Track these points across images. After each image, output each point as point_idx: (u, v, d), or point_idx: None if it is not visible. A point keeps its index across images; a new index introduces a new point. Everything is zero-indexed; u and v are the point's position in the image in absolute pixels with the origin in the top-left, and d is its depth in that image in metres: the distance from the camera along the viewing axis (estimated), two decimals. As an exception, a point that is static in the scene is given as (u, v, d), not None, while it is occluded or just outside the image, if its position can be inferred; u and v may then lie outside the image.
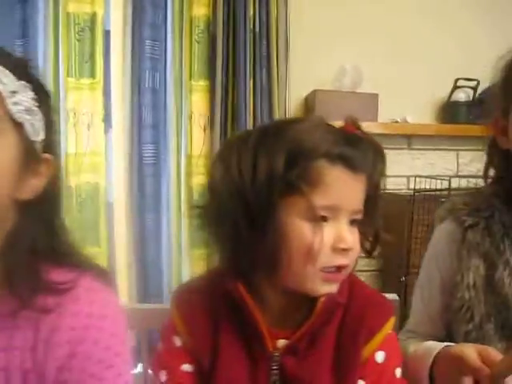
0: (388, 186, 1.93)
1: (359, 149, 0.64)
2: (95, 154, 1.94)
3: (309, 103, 2.03)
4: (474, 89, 2.09)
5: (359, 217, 0.64)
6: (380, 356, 0.66)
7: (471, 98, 2.11)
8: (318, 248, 0.61)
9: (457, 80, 2.06)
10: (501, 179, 0.79)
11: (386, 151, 0.67)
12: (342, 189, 0.63)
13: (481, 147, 0.82)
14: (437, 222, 0.84)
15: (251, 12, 1.97)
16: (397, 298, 0.89)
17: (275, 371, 0.65)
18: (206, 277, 0.73)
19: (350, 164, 0.62)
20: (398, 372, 0.67)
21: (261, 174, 0.61)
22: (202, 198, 0.73)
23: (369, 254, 0.70)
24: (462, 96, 2.10)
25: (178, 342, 0.68)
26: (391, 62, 2.05)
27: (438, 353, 0.71)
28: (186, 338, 0.67)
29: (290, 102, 2.02)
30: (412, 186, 1.93)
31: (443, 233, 0.82)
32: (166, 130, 2.02)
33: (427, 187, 1.87)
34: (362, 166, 0.63)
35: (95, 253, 1.90)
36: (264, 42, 1.98)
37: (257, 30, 1.98)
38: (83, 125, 1.96)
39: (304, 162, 0.62)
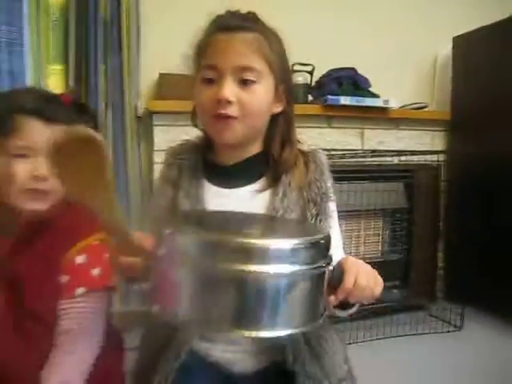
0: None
1: (56, 106, 0.86)
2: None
3: (158, 86, 2.23)
4: (310, 72, 2.36)
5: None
6: (80, 258, 0.89)
7: (308, 81, 2.38)
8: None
9: (293, 64, 2.30)
10: None
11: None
12: (38, 136, 0.85)
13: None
14: None
15: (102, 1, 2.14)
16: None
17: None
18: None
19: (43, 116, 0.85)
20: (96, 271, 0.89)
21: None
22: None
23: None
24: (299, 80, 2.35)
25: None
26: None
27: None
28: None
29: (140, 86, 2.22)
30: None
31: None
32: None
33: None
34: (56, 116, 0.86)
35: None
36: (115, 29, 2.16)
37: (108, 17, 2.15)
38: None
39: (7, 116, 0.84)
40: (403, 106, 2.60)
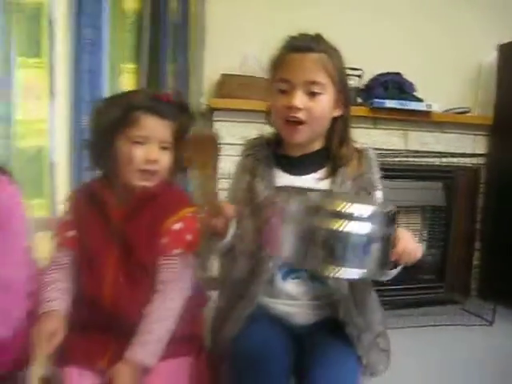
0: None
1: (164, 104, 1.09)
2: (40, 121, 2.34)
3: (219, 85, 2.44)
4: (359, 76, 2.53)
5: (168, 145, 1.10)
6: (177, 225, 1.11)
7: (357, 84, 2.55)
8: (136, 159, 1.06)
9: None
10: None
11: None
12: (152, 128, 1.08)
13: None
14: None
15: (173, 6, 2.37)
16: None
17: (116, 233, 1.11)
18: (86, 182, 1.19)
19: (156, 112, 1.07)
20: (189, 236, 1.13)
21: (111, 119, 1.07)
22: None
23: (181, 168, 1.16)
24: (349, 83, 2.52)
25: (66, 219, 1.13)
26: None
27: None
28: (71, 214, 1.12)
29: (204, 84, 2.44)
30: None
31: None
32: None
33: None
34: (165, 114, 1.08)
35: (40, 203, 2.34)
36: (183, 33, 2.39)
37: (177, 22, 2.38)
38: (32, 97, 2.36)
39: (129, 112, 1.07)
40: (447, 110, 2.73)
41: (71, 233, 1.14)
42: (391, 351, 1.20)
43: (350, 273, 0.83)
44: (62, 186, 2.41)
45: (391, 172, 2.23)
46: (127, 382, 1.01)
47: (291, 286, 1.13)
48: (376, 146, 2.41)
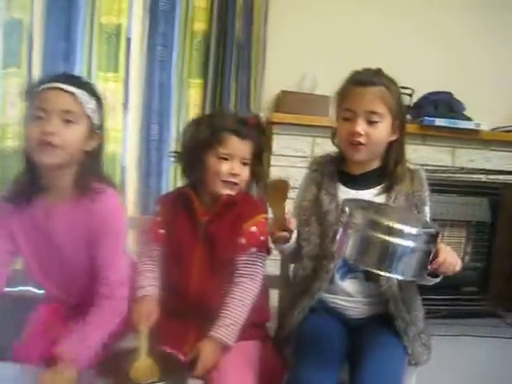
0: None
1: (245, 126, 1.28)
2: (115, 130, 2.59)
3: (278, 101, 2.64)
4: (410, 95, 2.67)
5: (247, 161, 1.29)
6: (253, 228, 1.31)
7: (408, 102, 2.68)
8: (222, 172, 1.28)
9: (395, 88, 2.63)
10: None
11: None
12: (235, 146, 1.27)
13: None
14: None
15: (237, 28, 2.58)
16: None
17: (202, 232, 1.33)
18: (175, 189, 1.41)
19: (239, 134, 1.27)
20: (262, 238, 1.33)
21: (202, 137, 1.28)
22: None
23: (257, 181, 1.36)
24: (400, 101, 2.66)
25: (157, 218, 1.36)
26: (343, 70, 2.62)
27: None
28: (161, 215, 1.34)
29: (263, 100, 2.64)
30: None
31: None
32: (169, 115, 2.66)
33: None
34: (247, 135, 1.28)
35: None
36: (246, 52, 2.60)
37: (241, 42, 2.59)
38: (108, 107, 2.61)
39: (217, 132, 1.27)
40: (495, 129, 2.82)
41: (161, 231, 1.35)
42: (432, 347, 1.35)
43: (395, 275, 1.03)
44: (130, 187, 2.66)
45: (438, 187, 2.37)
46: (211, 357, 1.20)
47: (348, 285, 1.31)
48: (423, 162, 2.55)
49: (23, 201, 1.25)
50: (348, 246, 1.02)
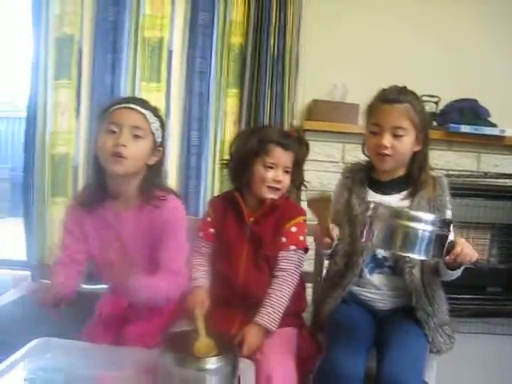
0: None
1: (290, 139, 1.44)
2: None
3: (309, 109, 2.80)
4: (436, 103, 2.79)
5: (289, 169, 1.46)
6: (293, 229, 1.48)
7: (434, 109, 2.81)
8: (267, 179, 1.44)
9: (421, 96, 2.75)
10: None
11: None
12: (280, 157, 1.44)
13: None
14: None
15: (272, 41, 2.75)
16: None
17: (248, 231, 1.50)
18: (224, 192, 1.58)
19: (283, 145, 1.43)
20: (301, 237, 1.49)
21: (250, 148, 1.45)
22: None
23: (297, 187, 1.52)
24: (427, 108, 2.78)
25: (208, 219, 1.53)
26: (372, 79, 2.76)
27: None
28: (212, 215, 1.51)
29: (296, 108, 2.81)
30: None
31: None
32: (208, 122, 2.84)
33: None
34: (290, 146, 1.44)
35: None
36: (280, 64, 2.76)
37: (275, 54, 2.75)
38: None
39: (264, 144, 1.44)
40: (520, 134, 2.91)
41: (211, 230, 1.53)
42: (455, 339, 1.49)
43: (417, 255, 1.18)
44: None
45: (463, 191, 2.49)
46: (255, 340, 1.36)
47: (376, 278, 1.46)
48: (449, 167, 2.67)
49: (95, 205, 1.44)
50: (374, 236, 1.19)
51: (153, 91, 2.81)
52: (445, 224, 1.18)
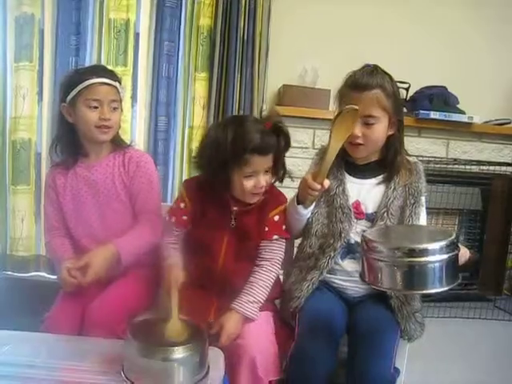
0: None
1: (268, 141, 1.36)
2: (123, 121, 2.70)
3: (280, 94, 2.75)
4: (406, 89, 2.78)
5: (269, 168, 1.39)
6: (276, 217, 1.44)
7: (404, 96, 2.80)
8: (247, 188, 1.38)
9: (392, 82, 2.75)
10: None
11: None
12: (258, 164, 1.36)
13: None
14: None
15: (242, 24, 2.69)
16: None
17: (233, 219, 1.44)
18: (199, 177, 1.48)
19: (261, 152, 1.36)
20: (283, 226, 1.46)
21: (224, 158, 1.35)
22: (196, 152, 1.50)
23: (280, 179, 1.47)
24: (397, 94, 2.78)
25: (181, 205, 1.46)
26: (342, 64, 2.74)
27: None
28: (187, 202, 1.45)
29: (266, 93, 2.76)
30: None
31: None
32: (176, 107, 2.78)
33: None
34: (269, 150, 1.37)
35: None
36: (250, 47, 2.70)
37: (245, 38, 2.69)
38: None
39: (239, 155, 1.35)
40: (487, 122, 2.95)
41: (184, 217, 1.46)
42: (426, 325, 1.48)
43: (434, 290, 1.07)
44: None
45: (432, 177, 2.49)
46: (234, 327, 1.32)
47: (347, 264, 1.43)
48: (419, 154, 2.68)
49: (69, 164, 1.58)
50: (380, 276, 1.10)
51: (120, 75, 2.70)
52: (454, 245, 1.08)
